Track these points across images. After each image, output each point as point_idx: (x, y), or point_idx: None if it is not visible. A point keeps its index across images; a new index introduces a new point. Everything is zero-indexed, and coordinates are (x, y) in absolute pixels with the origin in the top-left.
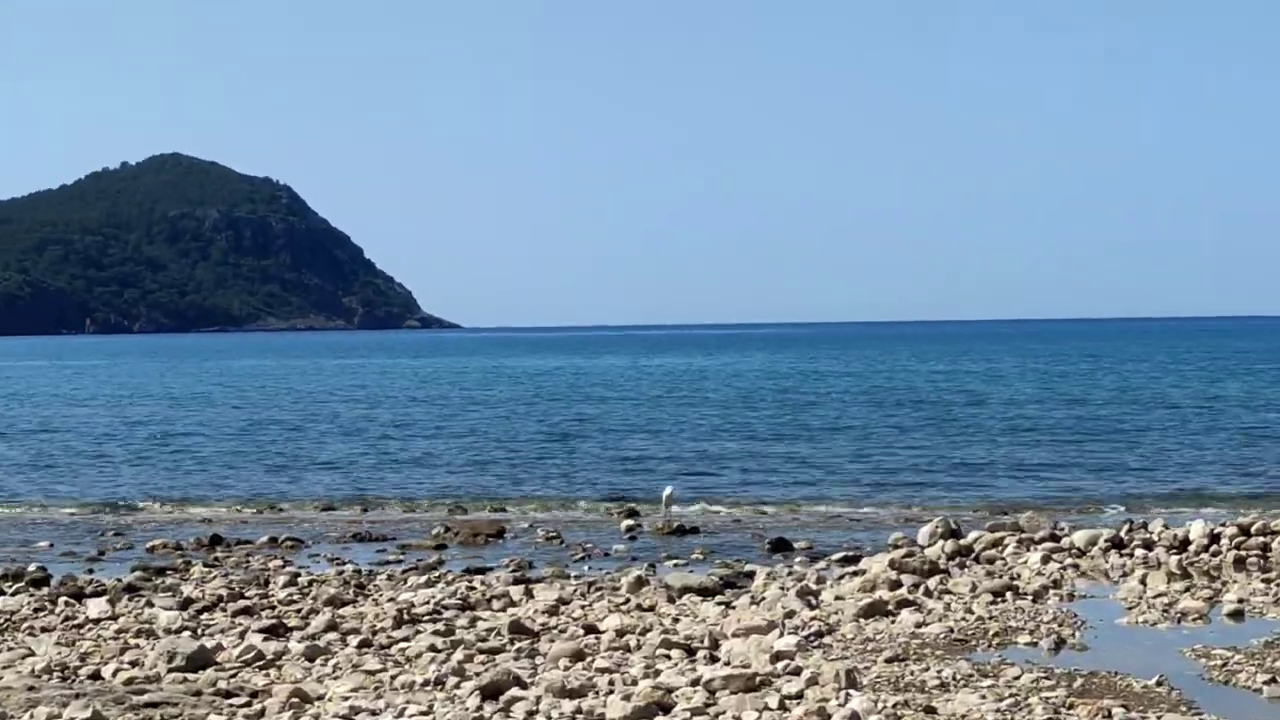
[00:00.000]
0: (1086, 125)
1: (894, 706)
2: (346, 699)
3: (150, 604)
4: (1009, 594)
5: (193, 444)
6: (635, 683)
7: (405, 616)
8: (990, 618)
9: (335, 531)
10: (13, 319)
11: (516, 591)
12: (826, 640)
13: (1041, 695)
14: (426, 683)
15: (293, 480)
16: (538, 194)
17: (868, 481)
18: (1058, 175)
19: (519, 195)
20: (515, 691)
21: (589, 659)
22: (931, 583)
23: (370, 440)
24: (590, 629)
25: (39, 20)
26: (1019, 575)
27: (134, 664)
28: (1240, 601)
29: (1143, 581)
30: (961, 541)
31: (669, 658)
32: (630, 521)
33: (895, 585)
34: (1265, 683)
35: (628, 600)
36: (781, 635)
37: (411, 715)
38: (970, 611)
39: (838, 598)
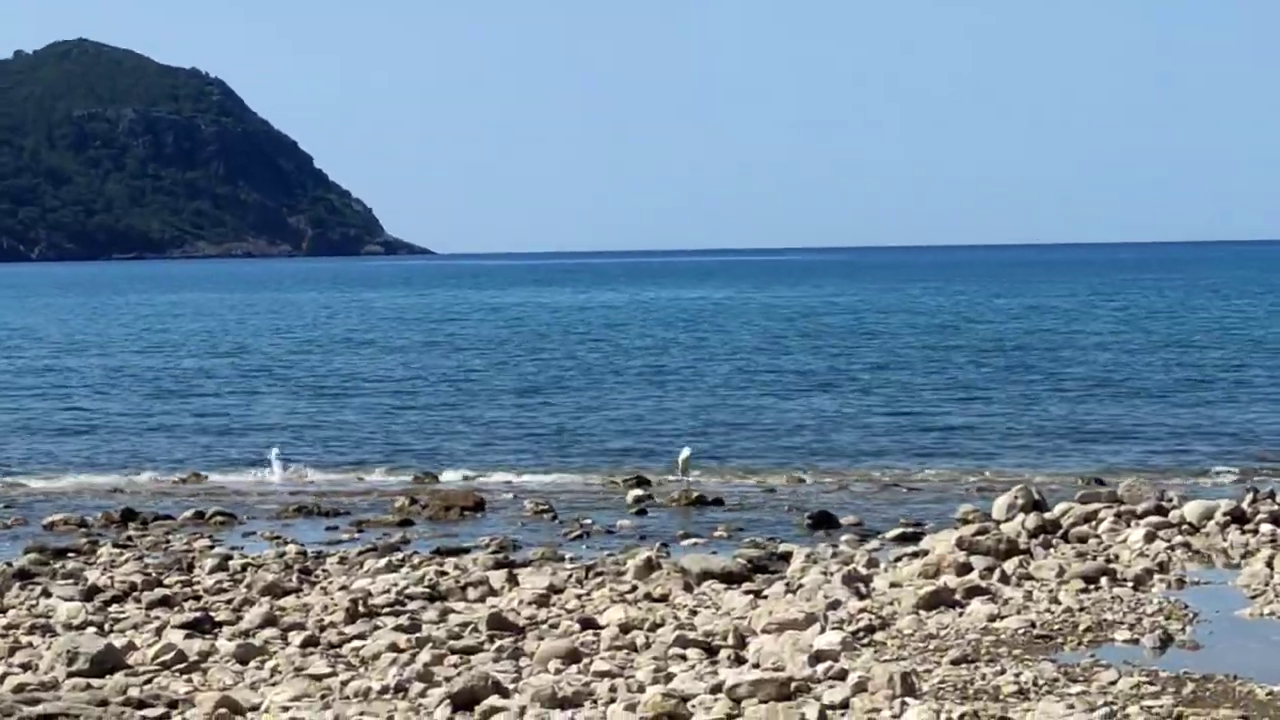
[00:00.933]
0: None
1: (961, 717)
2: (287, 709)
3: (47, 593)
4: (1104, 579)
5: (101, 400)
6: (642, 689)
7: (360, 609)
8: (1081, 609)
9: (274, 504)
10: None
11: (497, 578)
12: (879, 637)
13: (1143, 704)
14: (386, 690)
15: (222, 443)
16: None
17: (928, 443)
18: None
19: (502, 97)
20: (494, 700)
21: (586, 660)
22: (1009, 566)
23: (318, 393)
24: (588, 623)
25: None
26: (1117, 557)
27: (26, 667)
28: None
29: (1269, 564)
30: (1046, 515)
31: (684, 658)
32: (638, 491)
33: (964, 569)
34: None
35: (634, 588)
36: (823, 631)
37: None
38: (1056, 601)
39: (893, 585)
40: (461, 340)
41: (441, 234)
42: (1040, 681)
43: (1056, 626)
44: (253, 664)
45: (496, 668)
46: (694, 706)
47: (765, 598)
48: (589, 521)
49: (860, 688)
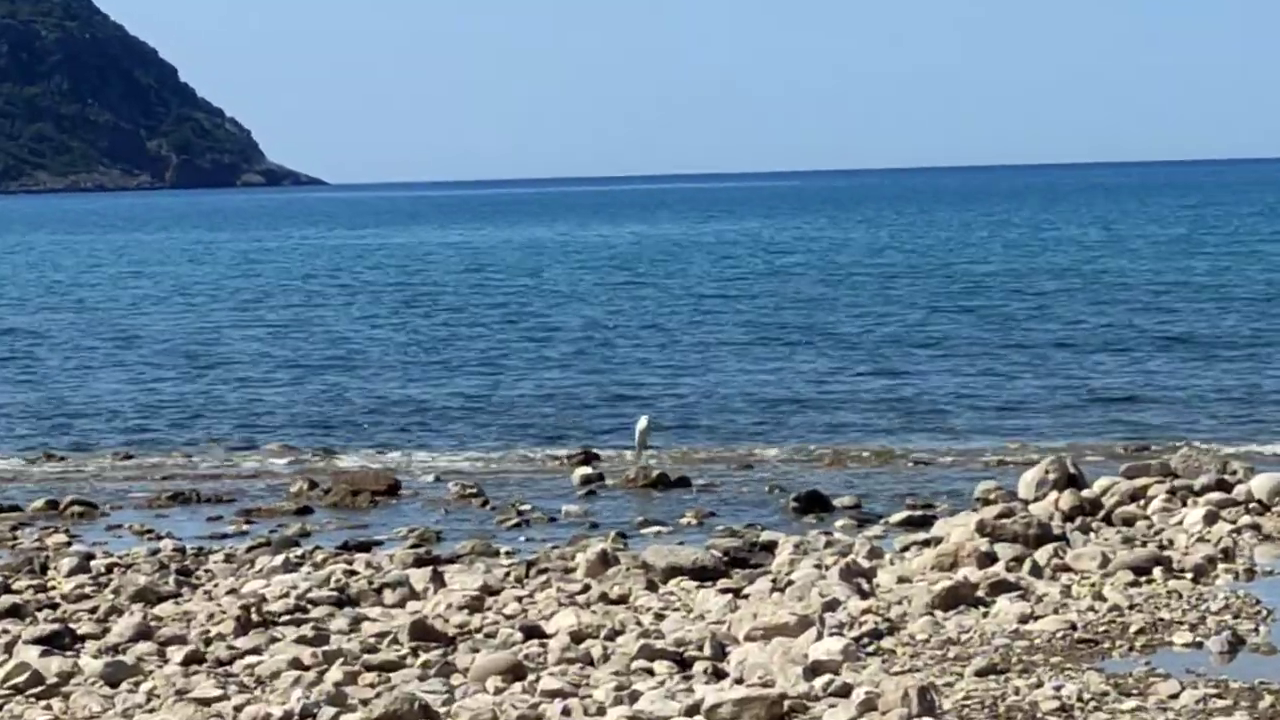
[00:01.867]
0: None
1: None
2: None
3: None
4: (1157, 570)
5: None
6: (603, 712)
7: (254, 617)
8: (1131, 606)
9: (144, 490)
10: None
11: (419, 577)
12: (887, 643)
13: None
14: (289, 716)
15: (77, 417)
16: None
17: (937, 406)
18: None
19: (406, 3)
20: None
21: (532, 677)
22: (1041, 555)
23: (192, 356)
24: (532, 631)
25: None
26: (1171, 542)
27: None
28: None
29: None
30: (1085, 493)
31: (651, 673)
32: (585, 470)
33: (987, 560)
34: None
35: (586, 588)
36: (820, 637)
37: None
38: (1100, 598)
39: (901, 580)
40: (361, 290)
41: (335, 161)
42: (1086, 696)
43: (1102, 628)
44: (124, 686)
45: (423, 687)
46: None
47: (747, 598)
48: (527, 507)
49: (868, 706)
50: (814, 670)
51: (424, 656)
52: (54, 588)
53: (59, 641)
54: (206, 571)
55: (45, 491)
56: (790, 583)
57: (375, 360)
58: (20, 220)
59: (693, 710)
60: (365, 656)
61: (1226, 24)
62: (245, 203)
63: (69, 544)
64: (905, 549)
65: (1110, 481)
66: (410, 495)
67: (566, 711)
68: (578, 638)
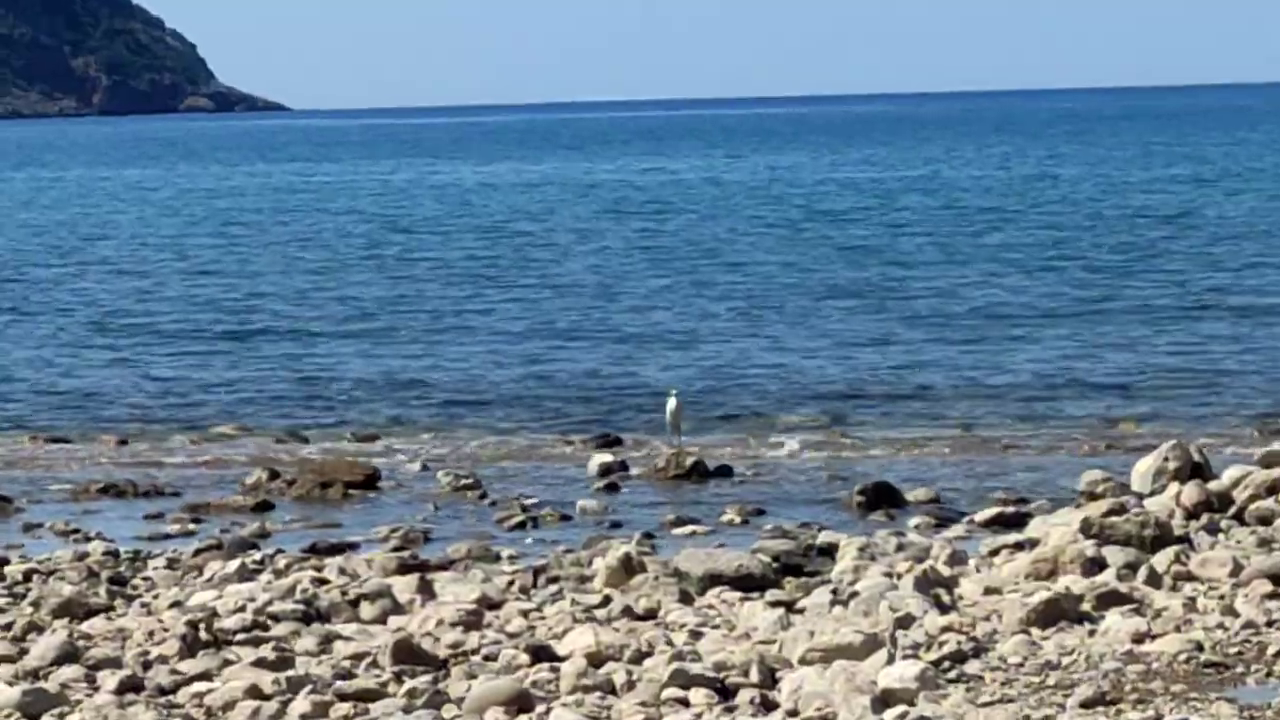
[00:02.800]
0: None
1: None
2: None
3: None
4: None
5: None
6: None
7: (203, 635)
8: (1270, 623)
9: (70, 481)
10: None
11: (403, 586)
12: (972, 668)
13: None
14: None
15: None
16: None
17: (1030, 382)
18: None
19: None
20: None
21: (541, 709)
22: (1159, 560)
23: (124, 320)
24: (541, 653)
25: None
26: None
27: None
28: None
29: None
30: (1212, 485)
31: (686, 704)
32: (606, 457)
33: (1093, 567)
34: None
35: (606, 600)
36: (891, 660)
37: None
38: (1232, 613)
39: (989, 591)
40: (330, 239)
41: (298, 83)
42: None
43: (1234, 650)
44: (46, 719)
45: None
46: None
47: (802, 612)
48: (534, 502)
49: None
50: (884, 701)
51: (409, 683)
52: None
53: None
54: (145, 580)
55: None
56: (854, 594)
57: (347, 324)
58: None
59: None
60: (338, 684)
61: None
62: (192, 130)
63: None
64: (994, 553)
65: (1243, 472)
66: (392, 487)
67: None
68: (596, 661)
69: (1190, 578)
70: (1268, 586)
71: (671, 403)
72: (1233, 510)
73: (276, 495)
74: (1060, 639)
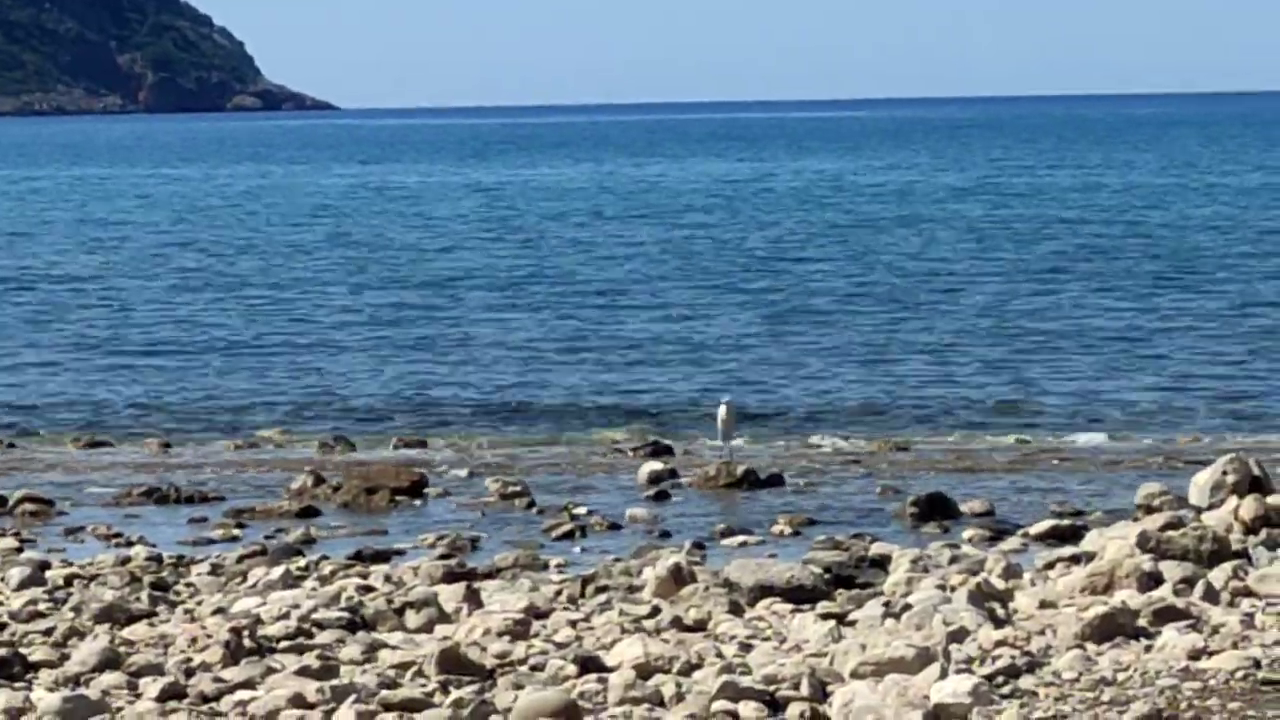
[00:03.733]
0: None
1: None
2: None
3: None
4: None
5: None
6: None
7: (246, 642)
8: None
9: (112, 485)
10: None
11: (450, 595)
12: (1026, 683)
13: None
14: None
15: (26, 392)
16: None
17: (1085, 393)
18: None
19: None
20: None
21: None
22: (1217, 576)
23: (172, 320)
24: (589, 664)
25: None
26: None
27: None
28: None
29: None
30: (1272, 500)
31: (735, 716)
32: (656, 465)
33: (1150, 581)
34: None
35: (656, 610)
36: (944, 675)
37: None
38: None
39: (1044, 605)
40: (378, 242)
41: (348, 83)
42: None
43: None
44: None
45: None
46: None
47: (854, 624)
48: (583, 510)
49: None
50: (936, 716)
51: (455, 693)
52: (1, 604)
53: (7, 670)
54: (188, 586)
55: None
56: (907, 607)
57: (395, 331)
58: None
59: None
60: (383, 693)
61: None
62: (241, 129)
63: (19, 550)
64: (1049, 566)
65: None
66: (439, 494)
67: None
68: (645, 672)
69: (1248, 593)
70: None
71: (722, 410)
72: None
73: (322, 501)
74: (1116, 654)
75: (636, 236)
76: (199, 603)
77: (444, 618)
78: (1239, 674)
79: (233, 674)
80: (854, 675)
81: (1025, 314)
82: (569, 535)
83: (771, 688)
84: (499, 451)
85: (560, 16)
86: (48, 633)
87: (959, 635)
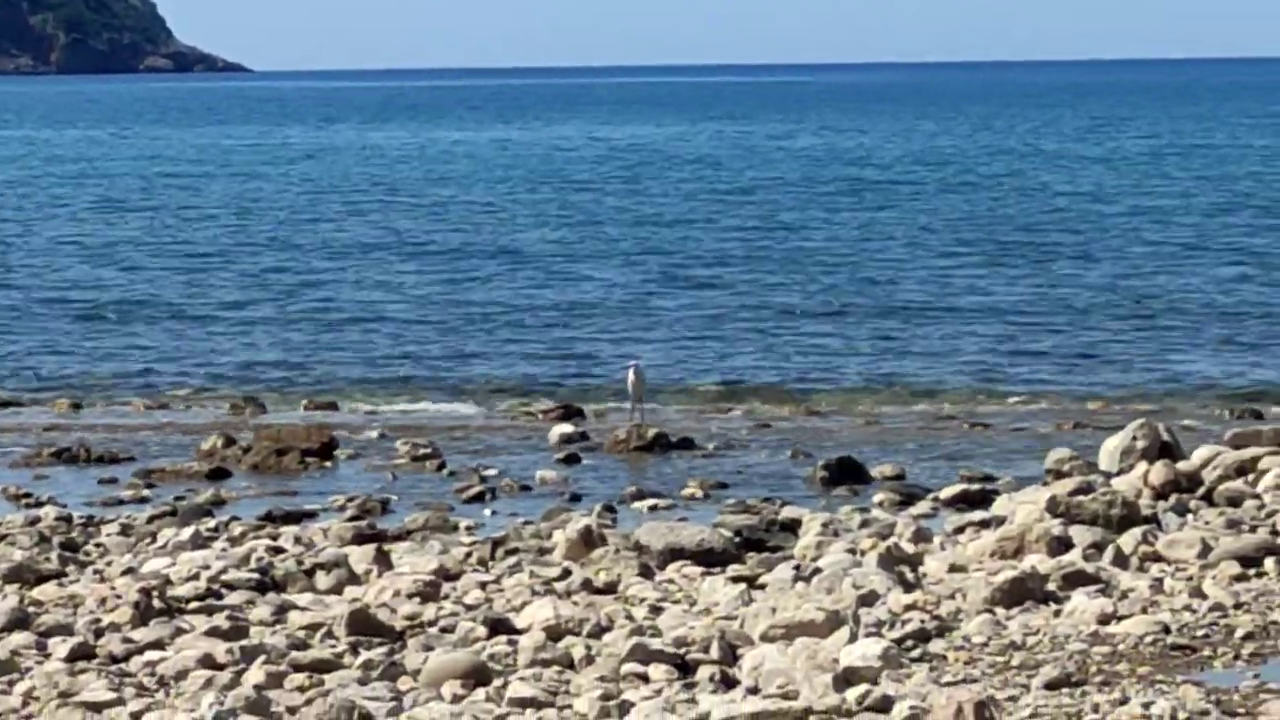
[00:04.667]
0: None
1: None
2: None
3: None
4: (1270, 562)
5: None
6: None
7: (156, 603)
8: (1237, 605)
9: (20, 445)
10: None
11: (360, 556)
12: (936, 647)
13: None
14: None
15: None
16: None
17: (994, 356)
18: None
19: None
20: None
21: (498, 683)
22: (1127, 541)
23: (77, 284)
24: (499, 626)
25: None
26: None
27: None
28: None
29: None
30: (1180, 466)
31: (646, 679)
32: (566, 428)
33: (1059, 546)
34: None
35: (566, 573)
36: (854, 638)
37: None
38: (1199, 594)
39: (954, 569)
40: (282, 202)
41: (260, 44)
42: (1181, 714)
43: (1201, 632)
44: None
45: (365, 693)
46: None
47: (764, 588)
48: (493, 472)
49: None
50: (846, 679)
51: (365, 655)
52: None
53: None
54: (97, 546)
55: None
56: (817, 570)
57: (305, 289)
58: None
59: None
60: (293, 654)
61: None
62: (154, 91)
63: None
64: (959, 531)
65: (1212, 452)
66: (349, 456)
67: None
68: (555, 634)
69: (1157, 558)
70: (1236, 568)
71: (631, 374)
72: (1201, 491)
73: (232, 462)
74: (1025, 619)
75: (542, 201)
76: (108, 563)
77: (354, 579)
78: (1148, 638)
79: (142, 634)
80: (764, 638)
81: (933, 281)
82: (479, 498)
83: (682, 650)
84: (409, 414)
85: None
86: None
87: (869, 599)
